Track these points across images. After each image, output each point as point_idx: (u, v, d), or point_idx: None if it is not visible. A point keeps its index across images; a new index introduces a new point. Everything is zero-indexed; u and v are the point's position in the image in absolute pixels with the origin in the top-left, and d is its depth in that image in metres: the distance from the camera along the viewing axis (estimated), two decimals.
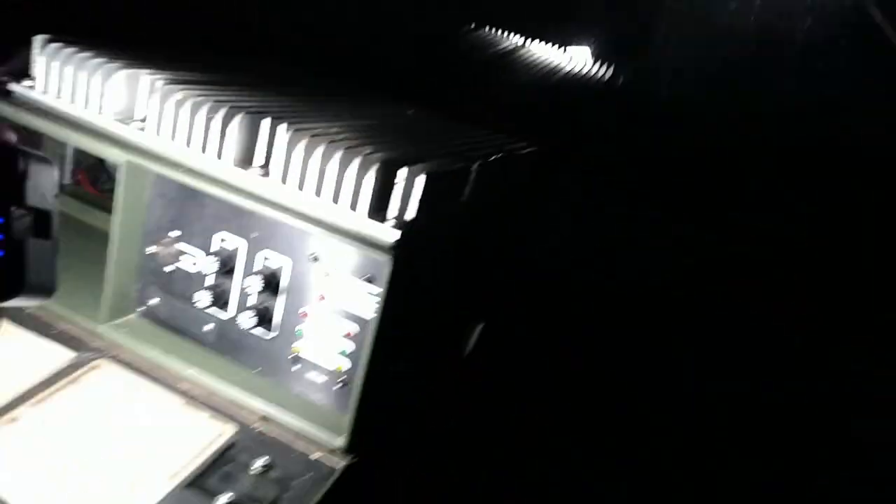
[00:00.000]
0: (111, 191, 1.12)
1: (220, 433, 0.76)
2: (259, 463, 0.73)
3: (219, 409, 0.79)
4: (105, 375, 0.80)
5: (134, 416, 0.75)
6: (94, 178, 1.16)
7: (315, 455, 0.75)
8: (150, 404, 0.77)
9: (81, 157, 1.13)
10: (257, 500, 0.68)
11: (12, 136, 0.40)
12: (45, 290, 0.43)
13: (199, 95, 0.76)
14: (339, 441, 0.75)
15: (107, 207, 1.09)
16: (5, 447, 0.68)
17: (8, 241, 0.39)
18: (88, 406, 0.75)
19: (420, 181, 0.70)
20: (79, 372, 0.79)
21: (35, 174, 0.40)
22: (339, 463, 0.74)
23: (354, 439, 0.74)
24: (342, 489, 0.72)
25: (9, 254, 0.39)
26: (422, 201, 0.70)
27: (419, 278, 0.75)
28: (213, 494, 0.68)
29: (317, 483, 0.72)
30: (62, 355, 0.81)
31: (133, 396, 0.78)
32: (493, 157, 0.88)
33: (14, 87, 0.82)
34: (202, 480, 0.70)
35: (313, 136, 0.73)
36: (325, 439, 0.76)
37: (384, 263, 0.69)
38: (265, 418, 0.78)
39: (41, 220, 0.41)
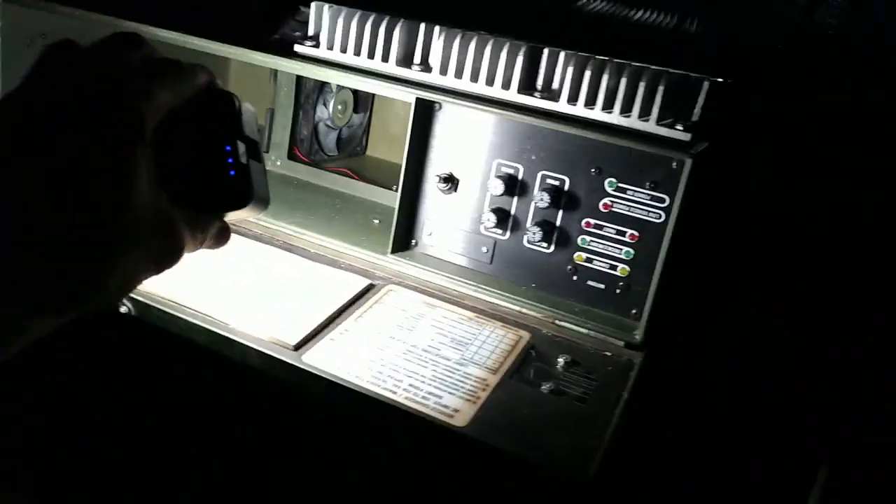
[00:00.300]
0: (321, 161, 1.24)
1: (518, 337, 0.83)
2: (562, 360, 0.80)
3: (507, 319, 0.86)
4: (400, 296, 0.89)
5: (436, 326, 0.84)
6: (307, 151, 1.27)
7: (610, 353, 0.82)
8: (446, 317, 0.86)
9: (296, 133, 1.24)
10: (573, 389, 0.75)
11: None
12: (265, 201, 0.51)
13: (478, 35, 0.84)
14: (635, 336, 0.81)
15: (322, 168, 1.22)
16: (343, 350, 0.77)
17: (237, 163, 0.48)
18: (396, 318, 0.84)
19: (705, 87, 0.76)
20: (379, 294, 0.88)
21: (245, 113, 0.50)
22: (637, 357, 0.81)
23: (648, 336, 0.80)
24: (643, 383, 0.79)
25: (238, 173, 0.48)
26: (705, 108, 0.77)
27: (704, 184, 0.81)
28: (535, 384, 0.76)
29: (622, 374, 0.78)
30: (359, 282, 0.90)
31: (429, 312, 0.86)
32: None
33: (299, 47, 0.92)
34: (520, 374, 0.78)
35: (591, 58, 0.80)
36: (614, 340, 0.83)
37: (679, 163, 0.75)
38: (555, 324, 0.85)
39: (253, 148, 0.50)
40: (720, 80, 0.88)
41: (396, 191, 1.17)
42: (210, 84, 0.49)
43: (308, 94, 1.23)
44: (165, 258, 0.45)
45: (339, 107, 1.29)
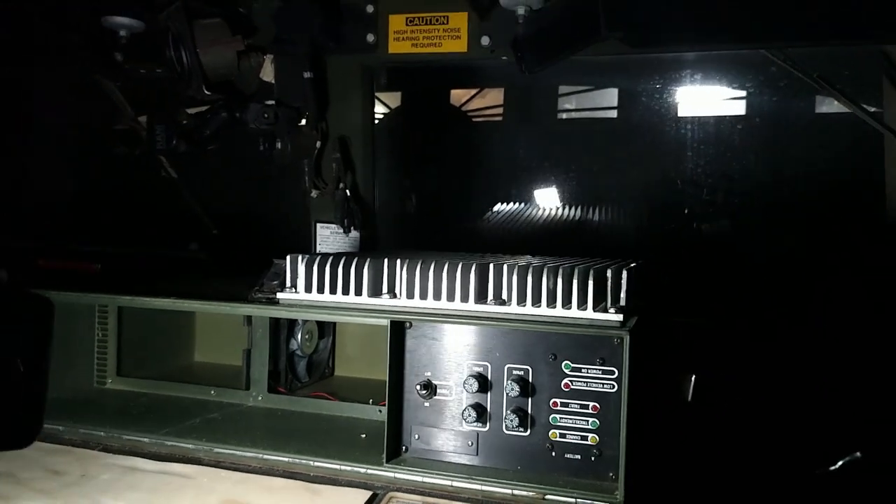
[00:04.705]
0: (296, 389, 1.34)
1: None
2: None
3: None
4: (402, 503, 0.96)
5: None
6: (283, 382, 1.37)
7: None
8: None
9: (274, 367, 1.35)
10: None
11: (4, 275, 0.40)
12: (22, 438, 0.39)
13: (435, 261, 1.02)
14: (616, 497, 0.91)
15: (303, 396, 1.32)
16: None
17: None
18: None
19: (625, 275, 0.95)
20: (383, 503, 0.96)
21: (27, 316, 0.39)
22: None
23: (628, 494, 0.90)
24: None
25: None
26: (629, 291, 0.94)
27: (641, 347, 0.96)
28: None
29: None
30: (360, 495, 0.97)
31: None
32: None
33: (281, 295, 1.07)
34: None
35: (529, 266, 0.98)
36: None
37: (619, 340, 0.91)
38: (545, 499, 0.94)
39: (32, 364, 0.38)
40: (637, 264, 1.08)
41: (372, 404, 1.29)
42: None
43: (280, 330, 1.36)
44: None
45: (307, 336, 1.43)
